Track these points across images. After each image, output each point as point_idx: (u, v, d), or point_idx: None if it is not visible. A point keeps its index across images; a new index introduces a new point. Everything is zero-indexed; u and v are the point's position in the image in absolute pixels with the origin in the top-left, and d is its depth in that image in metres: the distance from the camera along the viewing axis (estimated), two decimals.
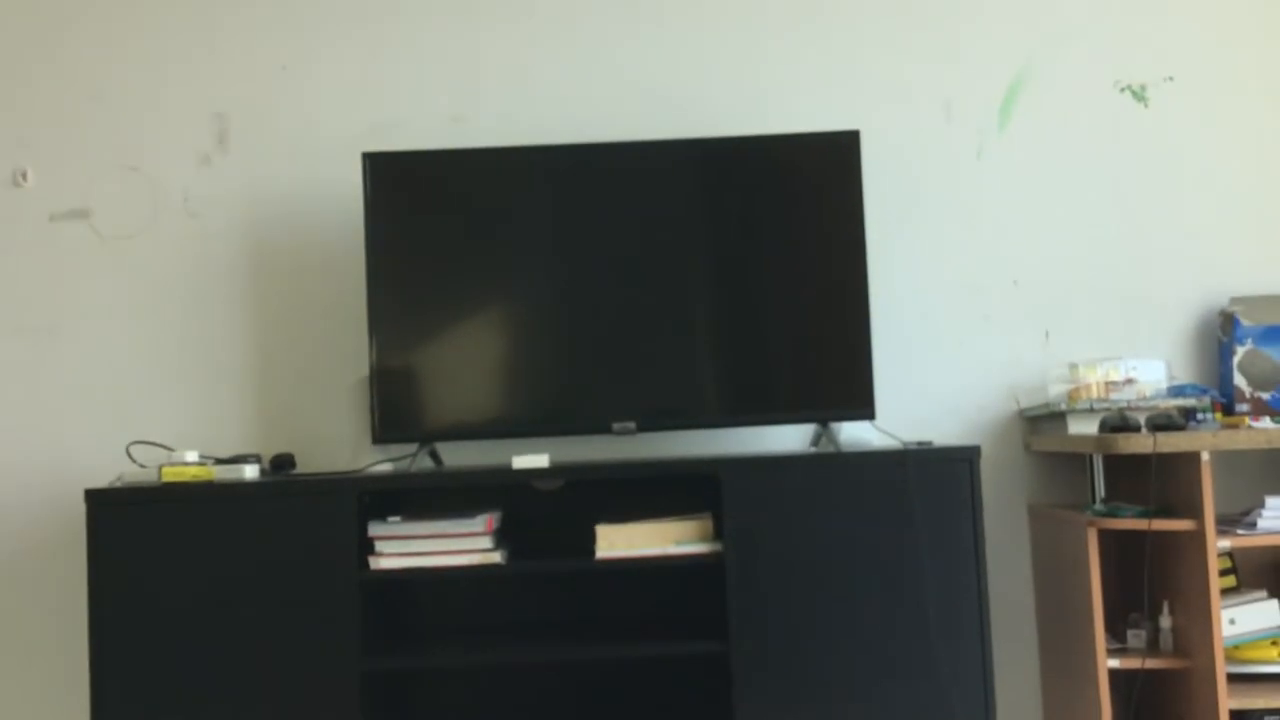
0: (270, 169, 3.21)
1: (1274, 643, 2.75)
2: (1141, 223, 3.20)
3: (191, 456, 2.82)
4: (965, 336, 3.18)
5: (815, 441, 3.05)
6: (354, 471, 2.89)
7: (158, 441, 3.11)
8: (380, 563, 2.73)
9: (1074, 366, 2.96)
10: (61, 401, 3.16)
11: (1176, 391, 2.91)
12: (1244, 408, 3.01)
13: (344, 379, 3.13)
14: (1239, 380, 3.03)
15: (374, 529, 2.74)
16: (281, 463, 2.93)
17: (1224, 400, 3.03)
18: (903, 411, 3.15)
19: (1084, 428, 2.86)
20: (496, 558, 2.75)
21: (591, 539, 2.77)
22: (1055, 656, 3.01)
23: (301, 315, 3.18)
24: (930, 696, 2.69)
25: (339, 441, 3.10)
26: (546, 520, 3.00)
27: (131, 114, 3.22)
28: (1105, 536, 2.81)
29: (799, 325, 2.94)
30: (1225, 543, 2.67)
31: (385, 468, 2.93)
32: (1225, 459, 3.09)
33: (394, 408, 2.92)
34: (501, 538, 2.85)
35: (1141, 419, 2.75)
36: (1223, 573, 2.83)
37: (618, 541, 2.75)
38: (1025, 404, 3.15)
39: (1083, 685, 2.79)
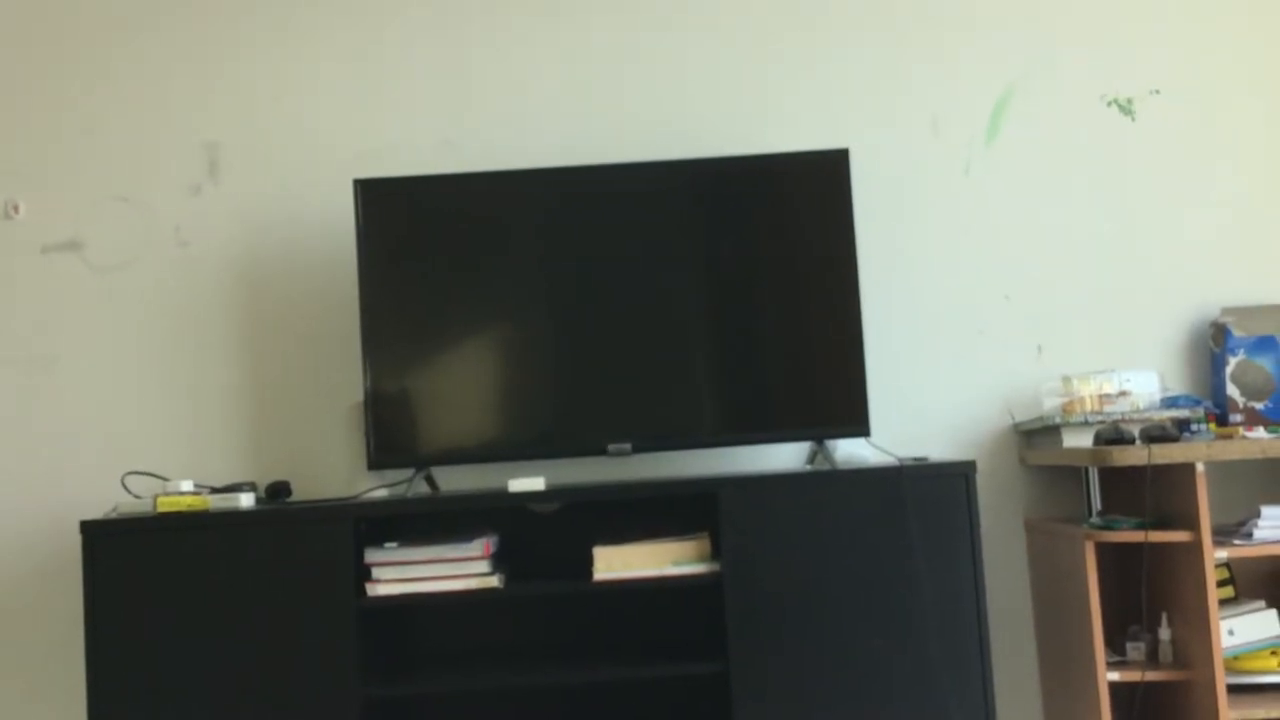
0: (261, 197, 3.21)
1: (1273, 653, 2.75)
2: (1131, 235, 3.21)
3: (187, 486, 2.81)
4: (958, 352, 3.19)
5: (811, 459, 3.05)
6: (350, 498, 2.88)
7: (152, 471, 3.10)
8: (378, 589, 2.73)
9: (1067, 380, 2.96)
10: (55, 433, 3.16)
11: (1170, 403, 2.92)
12: (1237, 418, 3.02)
13: (338, 405, 3.13)
14: (1232, 391, 3.04)
15: (371, 555, 2.74)
16: (277, 490, 2.93)
17: (1217, 411, 3.04)
18: (898, 428, 3.15)
19: (1078, 441, 2.87)
20: (494, 582, 2.74)
21: (589, 561, 2.76)
22: (1055, 670, 3.01)
23: (295, 342, 3.18)
24: (931, 712, 2.68)
25: (334, 468, 3.10)
26: (544, 543, 3.00)
27: (122, 145, 3.23)
28: (1102, 549, 2.82)
29: (793, 344, 2.94)
30: (1222, 553, 2.67)
31: (381, 494, 2.92)
32: (1220, 470, 3.09)
33: (389, 433, 2.92)
34: (499, 561, 2.85)
35: (1136, 431, 2.75)
36: (1220, 583, 2.83)
37: (615, 563, 2.75)
38: (1019, 418, 3.16)
39: (1083, 698, 2.78)
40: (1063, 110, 3.24)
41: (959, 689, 2.69)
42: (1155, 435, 2.68)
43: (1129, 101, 3.24)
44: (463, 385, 2.93)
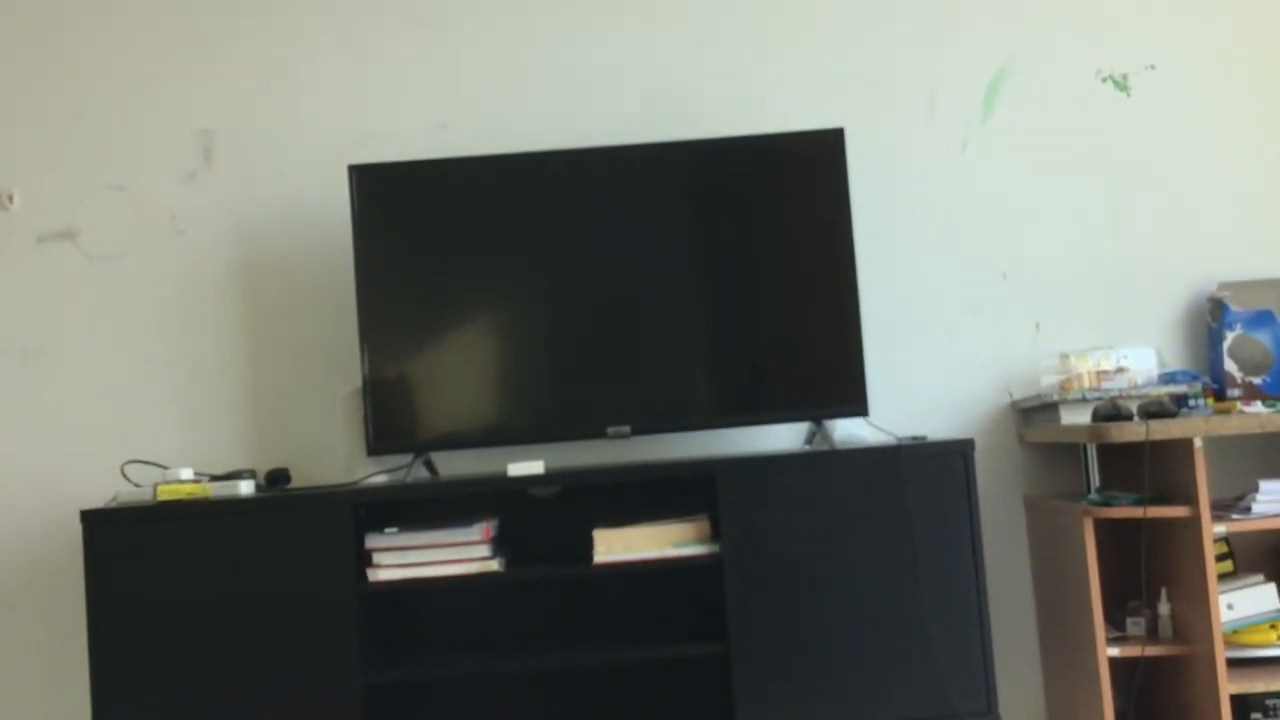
0: (256, 184, 3.21)
1: (1272, 626, 2.76)
2: (1127, 211, 3.21)
3: (186, 474, 2.81)
4: (956, 330, 3.19)
5: (809, 440, 3.05)
6: (349, 484, 2.89)
7: (152, 460, 3.10)
8: (378, 574, 2.73)
9: (1065, 357, 2.96)
10: (54, 423, 3.16)
11: (1168, 379, 2.92)
12: (1235, 393, 3.02)
13: (337, 391, 3.12)
14: (1229, 365, 3.04)
15: (371, 541, 2.74)
16: (277, 477, 2.93)
17: (1215, 386, 3.04)
18: (896, 407, 3.15)
19: (1076, 418, 2.87)
20: (495, 566, 2.75)
21: (589, 544, 2.77)
22: (1055, 647, 3.02)
23: (292, 329, 3.18)
24: (932, 690, 2.69)
25: (333, 454, 3.10)
26: (544, 527, 3.00)
27: (116, 133, 3.22)
28: (1101, 525, 2.82)
29: (790, 324, 2.94)
30: (1221, 528, 2.67)
31: (381, 479, 2.93)
32: (1218, 445, 3.09)
33: (388, 419, 2.92)
34: (499, 545, 2.85)
35: (1133, 407, 2.75)
36: (1219, 558, 2.84)
37: (615, 545, 2.75)
38: (1017, 396, 3.16)
39: (1083, 674, 2.79)
40: (1058, 87, 3.23)
41: (959, 666, 2.70)
42: (1153, 411, 2.68)
43: (1124, 77, 3.23)
44: (461, 370, 2.93)
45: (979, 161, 3.22)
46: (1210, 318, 3.12)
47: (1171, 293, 3.19)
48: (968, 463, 2.74)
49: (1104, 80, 3.23)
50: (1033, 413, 3.09)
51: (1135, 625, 2.83)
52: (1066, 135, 3.22)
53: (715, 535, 2.76)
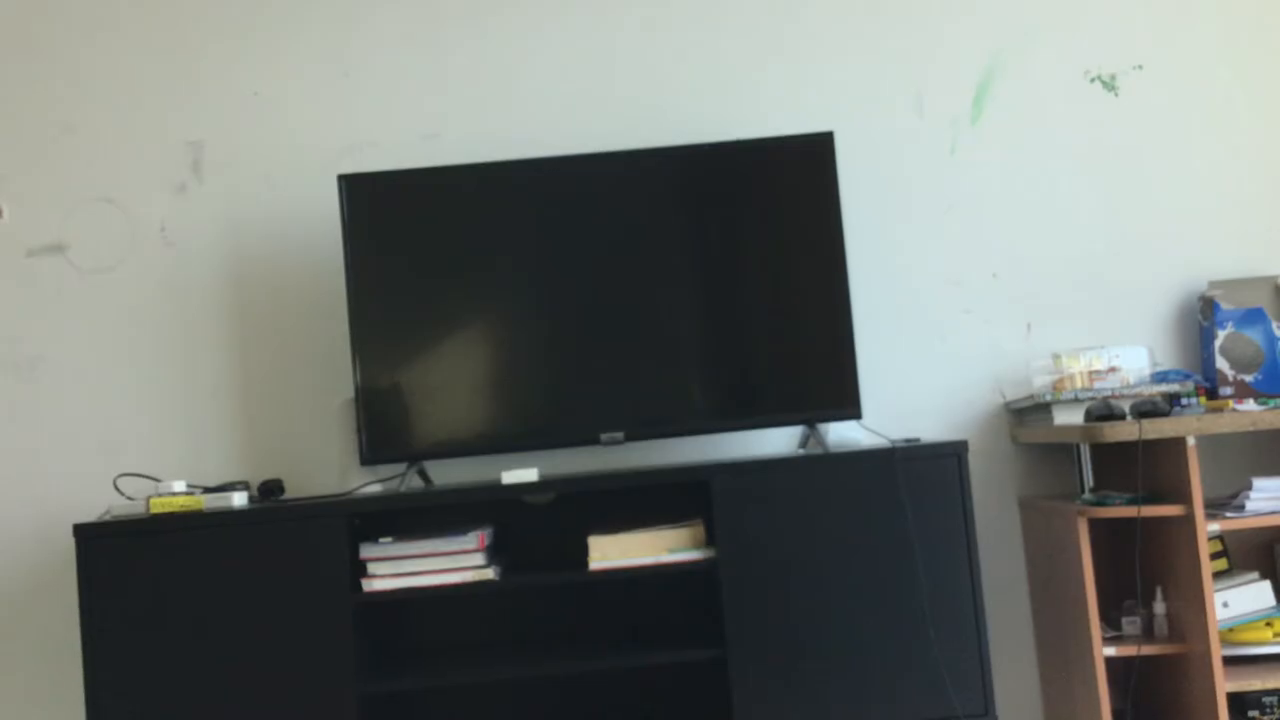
0: (246, 195, 3.20)
1: (1268, 624, 2.76)
2: (1117, 211, 3.22)
3: (179, 486, 2.80)
4: (948, 332, 3.19)
5: (803, 443, 3.05)
6: (343, 494, 2.88)
7: (145, 473, 3.10)
8: (373, 584, 2.73)
9: (1057, 357, 2.97)
10: (46, 437, 3.15)
11: (1160, 378, 2.93)
12: (1227, 391, 3.02)
13: (329, 402, 3.12)
14: (1221, 364, 3.05)
15: (366, 551, 2.74)
16: (270, 489, 2.92)
17: (1207, 384, 3.04)
18: (889, 409, 3.16)
19: (1069, 418, 2.87)
20: (490, 574, 2.74)
21: (584, 551, 2.76)
22: (1052, 647, 3.02)
23: (284, 339, 3.18)
24: (929, 692, 2.69)
25: (327, 465, 3.10)
26: (539, 534, 3.00)
27: (105, 146, 3.22)
28: (1096, 525, 2.83)
29: (782, 328, 2.95)
30: (1215, 526, 2.68)
31: (375, 489, 2.92)
32: (1211, 443, 3.10)
33: (381, 428, 2.91)
34: (494, 554, 2.85)
35: (1126, 407, 2.76)
36: (1214, 556, 2.84)
37: (611, 552, 2.75)
38: (1010, 396, 3.16)
39: (1080, 674, 2.79)
40: (1046, 88, 3.24)
41: (956, 668, 2.70)
42: (1146, 410, 2.69)
43: (1112, 78, 3.24)
44: (453, 378, 2.93)
45: (969, 162, 3.23)
46: (1201, 316, 3.13)
47: (1163, 291, 3.20)
48: (961, 464, 2.74)
49: (1092, 80, 3.24)
50: (1026, 413, 3.10)
51: (1131, 624, 2.84)
52: (1055, 136, 3.23)
53: (710, 540, 2.76)
